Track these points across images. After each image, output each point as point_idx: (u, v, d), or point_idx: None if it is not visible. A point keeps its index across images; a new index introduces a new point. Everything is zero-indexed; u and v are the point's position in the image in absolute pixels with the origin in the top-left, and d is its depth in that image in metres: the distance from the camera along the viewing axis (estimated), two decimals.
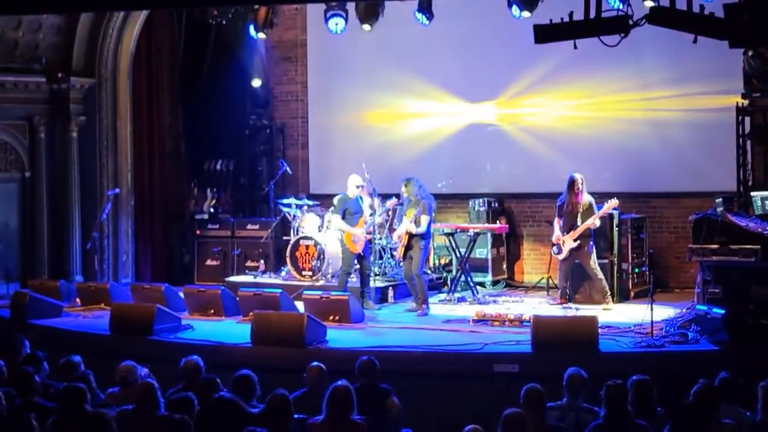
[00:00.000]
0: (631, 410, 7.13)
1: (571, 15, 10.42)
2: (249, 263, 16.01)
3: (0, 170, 15.33)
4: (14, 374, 8.24)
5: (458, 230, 14.62)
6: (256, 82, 17.29)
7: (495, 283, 15.44)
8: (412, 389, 9.32)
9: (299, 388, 8.26)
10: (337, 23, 14.16)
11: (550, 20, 10.70)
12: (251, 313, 11.58)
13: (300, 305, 12.42)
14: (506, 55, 15.73)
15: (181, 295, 13.33)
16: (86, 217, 15.51)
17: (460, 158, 16.44)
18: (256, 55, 17.34)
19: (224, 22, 15.47)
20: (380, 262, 14.70)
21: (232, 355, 10.80)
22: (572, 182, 13.22)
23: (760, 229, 11.27)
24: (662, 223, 15.14)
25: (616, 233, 13.93)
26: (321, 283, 14.26)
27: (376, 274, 14.28)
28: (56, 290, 13.74)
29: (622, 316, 12.37)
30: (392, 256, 14.61)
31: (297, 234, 14.88)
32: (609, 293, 13.33)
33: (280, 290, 12.60)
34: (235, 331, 11.79)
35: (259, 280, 15.07)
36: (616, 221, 13.91)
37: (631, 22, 10.42)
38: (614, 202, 13.31)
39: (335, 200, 13.92)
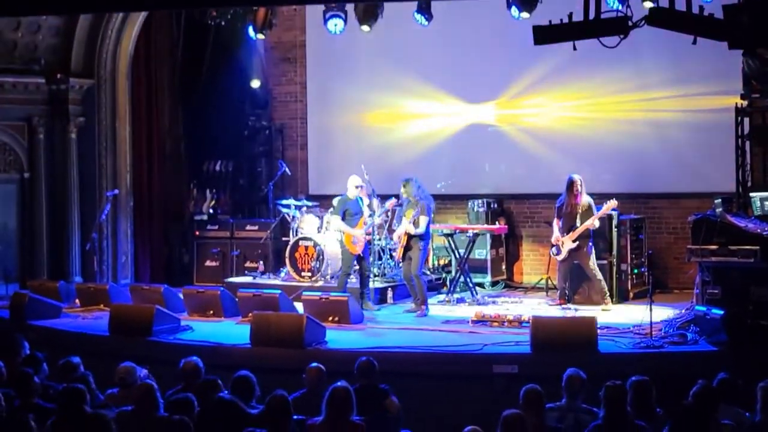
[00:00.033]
0: (630, 411, 7.13)
1: (570, 16, 10.42)
2: (248, 264, 16.00)
3: None
4: (13, 375, 8.24)
5: (457, 231, 14.62)
6: (255, 83, 17.30)
7: (494, 283, 15.44)
8: (412, 390, 9.32)
9: (298, 389, 8.25)
10: (336, 24, 14.17)
11: (550, 21, 10.70)
12: (250, 314, 11.58)
13: (299, 306, 12.42)
14: (506, 55, 15.74)
15: (181, 296, 13.32)
16: (85, 218, 15.51)
17: (459, 159, 16.44)
18: (255, 55, 17.35)
19: (223, 23, 15.48)
20: (379, 263, 14.71)
21: (231, 356, 10.80)
22: (571, 183, 13.22)
23: (759, 230, 11.27)
24: (661, 223, 15.15)
25: (615, 234, 13.93)
26: (320, 284, 14.26)
27: (375, 275, 14.29)
28: (55, 291, 13.73)
29: (621, 317, 12.37)
30: (391, 256, 14.61)
31: (296, 235, 14.88)
32: (608, 294, 13.33)
33: (279, 291, 12.60)
34: (235, 332, 11.78)
35: (259, 281, 15.06)
36: (615, 222, 13.92)
37: (630, 24, 10.43)
38: (613, 203, 13.31)
39: (335, 201, 13.93)
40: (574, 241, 13.16)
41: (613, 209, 13.54)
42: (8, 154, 15.33)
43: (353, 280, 13.66)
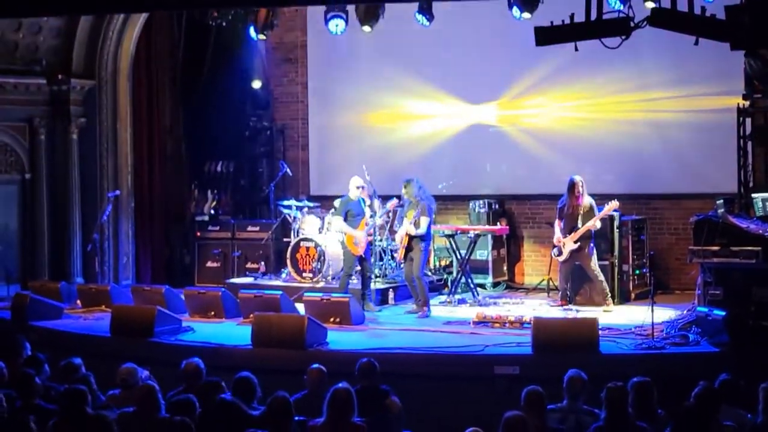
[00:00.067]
0: (631, 412, 7.13)
1: (572, 17, 10.40)
2: (249, 265, 16.00)
3: (0, 172, 15.32)
4: (15, 376, 8.24)
5: (458, 232, 14.61)
6: (257, 84, 17.30)
7: (495, 284, 15.43)
8: (413, 391, 9.31)
9: (300, 390, 8.25)
10: (337, 25, 14.13)
11: (551, 22, 10.69)
12: (252, 315, 11.58)
13: (300, 307, 12.42)
14: (507, 56, 15.74)
15: (182, 297, 13.32)
16: (87, 219, 15.51)
17: (460, 159, 16.44)
18: (256, 56, 17.35)
19: (224, 24, 15.46)
20: (381, 263, 14.70)
21: (232, 357, 10.80)
22: (572, 185, 13.22)
23: (761, 231, 11.26)
24: (663, 224, 15.14)
25: (616, 235, 13.92)
26: (321, 284, 14.26)
27: (376, 276, 14.28)
28: (57, 292, 13.74)
29: (623, 318, 12.36)
30: (393, 257, 14.60)
31: (297, 236, 14.87)
32: (609, 295, 13.32)
33: (280, 292, 12.60)
34: (236, 333, 11.78)
35: (260, 282, 15.06)
36: (616, 223, 13.91)
37: (632, 24, 10.41)
38: (614, 203, 13.30)
39: (337, 202, 13.93)
40: (575, 242, 13.16)
41: (615, 210, 13.53)
42: (9, 154, 15.33)
43: (354, 281, 13.65)
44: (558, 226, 13.44)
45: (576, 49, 10.81)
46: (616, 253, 13.92)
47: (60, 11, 13.12)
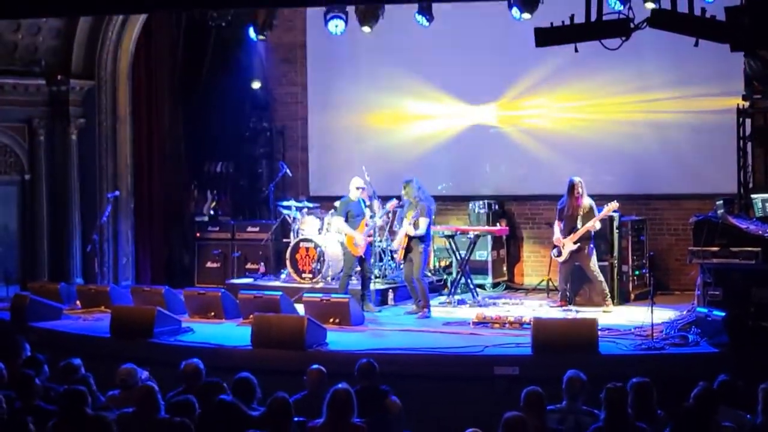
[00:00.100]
0: (630, 413, 7.12)
1: (572, 18, 10.39)
2: (249, 265, 16.00)
3: None
4: (14, 377, 8.24)
5: (458, 232, 14.61)
6: (256, 84, 17.29)
7: (495, 285, 15.44)
8: (413, 392, 9.30)
9: (299, 390, 8.25)
10: (336, 25, 14.14)
11: (551, 23, 10.68)
12: (251, 316, 11.58)
13: (300, 308, 12.42)
14: (507, 56, 15.73)
15: (182, 297, 13.31)
16: (86, 220, 15.50)
17: (460, 160, 16.44)
18: (256, 57, 17.34)
19: (224, 24, 15.46)
20: (380, 264, 14.70)
21: (232, 357, 10.80)
22: (572, 186, 13.23)
23: (760, 232, 11.26)
24: (662, 225, 15.15)
25: (616, 235, 13.93)
26: (321, 285, 14.25)
27: (376, 277, 14.28)
28: (56, 293, 13.74)
29: (622, 319, 12.37)
30: (392, 258, 14.60)
31: (297, 236, 14.87)
32: (609, 295, 13.33)
33: (280, 293, 12.60)
34: (236, 333, 11.78)
35: (260, 282, 15.05)
36: (616, 223, 13.91)
37: (632, 26, 10.40)
38: (614, 204, 13.30)
39: (337, 203, 13.92)
40: (575, 243, 13.16)
41: (615, 211, 13.53)
42: (9, 155, 15.32)
43: (354, 282, 13.65)
44: (558, 226, 13.44)
45: (576, 50, 10.80)
46: (615, 253, 13.93)
47: (59, 12, 13.11)
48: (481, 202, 15.70)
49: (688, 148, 14.86)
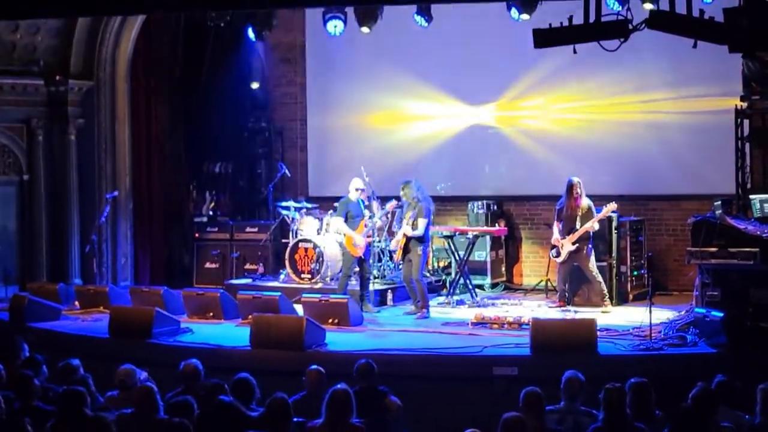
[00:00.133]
0: (629, 413, 7.13)
1: (570, 19, 10.40)
2: (248, 266, 16.00)
3: None
4: (13, 378, 8.24)
5: (457, 233, 14.62)
6: (255, 85, 17.29)
7: (494, 285, 15.45)
8: (411, 392, 9.30)
9: (298, 391, 8.25)
10: (335, 25, 14.16)
11: (550, 24, 10.69)
12: (250, 316, 11.58)
13: (299, 308, 12.42)
14: (506, 57, 15.73)
15: (181, 298, 13.30)
16: (85, 220, 15.50)
17: (459, 160, 16.45)
18: (255, 57, 17.34)
19: (223, 25, 15.46)
20: (379, 264, 14.70)
21: (231, 358, 10.80)
22: (570, 186, 13.23)
23: (758, 232, 11.28)
24: (661, 225, 15.16)
25: (614, 236, 13.93)
26: (319, 285, 14.25)
27: (375, 277, 14.28)
28: (55, 293, 13.73)
29: (621, 319, 12.38)
30: (391, 258, 14.61)
31: (296, 237, 14.87)
32: (608, 296, 13.34)
33: (279, 293, 12.60)
34: (234, 334, 11.78)
35: (258, 283, 15.05)
36: (614, 224, 13.91)
37: (630, 27, 10.41)
38: (613, 205, 13.30)
39: (337, 204, 13.92)
40: (573, 243, 13.17)
41: (613, 211, 13.53)
42: (7, 156, 15.30)
43: (353, 282, 13.65)
44: (556, 227, 13.45)
45: (575, 52, 10.81)
46: (614, 254, 13.93)
47: (59, 13, 13.10)
48: (479, 203, 15.70)
49: (687, 149, 14.87)
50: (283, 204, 15.49)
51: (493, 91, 16.08)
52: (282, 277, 15.06)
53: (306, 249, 14.56)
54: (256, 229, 16.16)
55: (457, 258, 14.41)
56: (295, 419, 7.06)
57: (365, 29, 14.06)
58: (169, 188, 16.91)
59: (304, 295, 12.79)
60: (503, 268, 15.82)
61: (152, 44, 16.45)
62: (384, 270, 14.80)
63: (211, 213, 16.77)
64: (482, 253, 15.21)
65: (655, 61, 14.71)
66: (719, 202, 12.12)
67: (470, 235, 14.43)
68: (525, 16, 13.03)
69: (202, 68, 17.00)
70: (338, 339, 11.25)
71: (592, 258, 13.30)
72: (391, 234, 14.31)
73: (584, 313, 12.64)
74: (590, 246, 13.27)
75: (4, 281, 14.72)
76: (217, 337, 11.55)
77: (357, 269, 13.56)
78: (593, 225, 13.15)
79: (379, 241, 14.59)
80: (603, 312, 12.89)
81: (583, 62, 13.47)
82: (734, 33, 9.66)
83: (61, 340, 12.11)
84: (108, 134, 15.80)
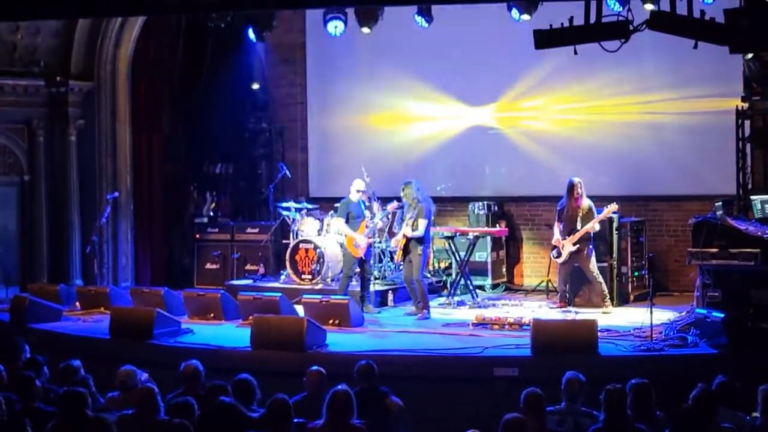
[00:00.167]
0: (630, 414, 7.13)
1: (571, 20, 10.39)
2: (248, 267, 16.00)
3: None
4: (14, 379, 8.24)
5: (458, 233, 14.62)
6: (255, 85, 17.29)
7: (494, 286, 15.45)
8: (412, 393, 9.29)
9: (299, 392, 8.25)
10: (336, 26, 14.15)
11: (550, 25, 10.68)
12: (251, 317, 11.58)
13: (300, 309, 12.42)
14: (506, 58, 15.73)
15: (181, 299, 13.30)
16: (86, 221, 15.50)
17: (459, 161, 16.46)
18: (255, 58, 17.35)
19: (223, 26, 15.46)
20: (380, 265, 14.70)
21: (231, 359, 10.79)
22: (571, 187, 13.23)
23: (759, 233, 11.26)
24: (662, 226, 15.15)
25: (615, 237, 13.93)
26: (320, 286, 14.25)
27: (375, 278, 14.27)
28: (56, 294, 13.73)
29: (622, 320, 12.37)
30: (392, 259, 14.61)
31: (296, 237, 14.87)
32: (608, 297, 13.33)
33: (279, 294, 12.60)
34: (235, 335, 11.78)
35: (259, 284, 15.05)
36: (615, 225, 13.91)
37: (631, 28, 10.40)
38: (614, 206, 13.30)
39: (337, 204, 13.92)
40: (574, 244, 13.16)
41: (614, 212, 13.52)
42: (8, 156, 15.31)
43: (354, 283, 13.65)
44: (557, 227, 13.45)
45: (575, 53, 10.81)
46: (615, 254, 13.93)
47: (59, 14, 13.09)
48: (480, 204, 15.70)
49: (687, 150, 14.87)
50: (284, 205, 15.49)
51: (493, 91, 16.08)
52: (283, 277, 15.06)
53: (307, 250, 14.55)
54: (256, 230, 16.16)
55: (458, 259, 14.41)
56: (295, 420, 7.05)
57: (366, 30, 14.06)
58: (169, 189, 16.91)
59: (304, 295, 12.80)
60: (504, 269, 15.81)
61: (153, 45, 16.45)
62: (385, 271, 14.80)
63: (211, 214, 16.78)
64: (483, 254, 15.21)
65: (655, 61, 14.71)
66: (720, 203, 12.10)
67: (471, 235, 14.43)
68: (526, 17, 13.03)
69: (202, 69, 17.02)
70: (339, 340, 11.25)
71: (593, 259, 13.29)
72: (392, 235, 14.30)
73: (585, 313, 12.61)
74: (591, 247, 13.27)
75: (5, 282, 14.71)
76: (218, 338, 11.55)
77: (358, 270, 13.55)
78: (594, 226, 13.15)
79: (380, 242, 14.59)
80: (604, 313, 12.88)
81: (584, 63, 13.46)
82: (735, 34, 9.64)
83: (62, 341, 12.11)
84: (108, 135, 15.80)
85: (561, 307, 13.38)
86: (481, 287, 15.04)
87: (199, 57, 16.95)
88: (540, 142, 15.88)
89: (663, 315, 12.08)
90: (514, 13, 13.19)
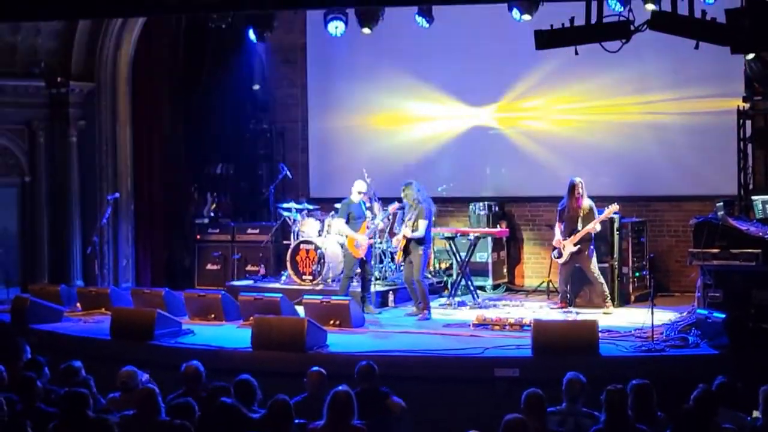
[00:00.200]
0: (631, 415, 7.12)
1: (572, 20, 10.38)
2: (249, 267, 16.00)
3: None
4: (15, 379, 8.24)
5: (458, 234, 14.61)
6: (256, 86, 17.29)
7: (495, 287, 15.44)
8: (413, 394, 9.28)
9: (300, 392, 8.25)
10: (336, 26, 14.13)
11: (551, 25, 10.67)
12: (252, 318, 11.58)
13: (300, 309, 12.41)
14: (507, 58, 15.72)
15: (182, 299, 13.29)
16: (86, 222, 15.50)
17: (460, 162, 16.45)
18: (256, 58, 17.35)
19: (223, 26, 15.45)
20: (381, 266, 14.70)
21: (232, 359, 10.79)
22: (572, 187, 13.23)
23: (761, 233, 11.25)
24: (663, 226, 15.15)
25: (616, 237, 13.93)
26: (321, 287, 14.25)
27: (376, 279, 14.27)
28: (57, 295, 13.73)
29: (623, 320, 12.37)
30: (393, 259, 14.61)
31: (297, 238, 14.87)
32: (609, 297, 13.33)
33: (280, 295, 12.60)
34: (236, 335, 11.77)
35: (260, 284, 15.05)
36: (616, 225, 13.91)
37: (632, 28, 10.39)
38: (615, 206, 13.29)
39: (338, 205, 13.92)
40: (575, 245, 13.16)
41: (615, 212, 13.51)
42: (9, 157, 15.31)
43: (355, 284, 13.64)
44: (558, 228, 13.44)
45: (576, 53, 10.80)
46: (616, 255, 13.92)
47: (60, 15, 13.08)
48: (481, 204, 15.70)
49: (688, 150, 14.86)
50: (285, 205, 15.49)
51: (494, 92, 16.08)
52: (283, 278, 15.06)
53: (307, 250, 14.56)
54: (257, 231, 16.16)
55: (459, 259, 14.40)
56: (296, 421, 7.04)
57: (366, 30, 14.04)
58: (170, 190, 16.90)
59: (305, 296, 12.80)
60: (505, 270, 15.81)
61: (153, 46, 16.45)
62: (385, 271, 14.80)
63: (212, 214, 16.78)
64: (484, 255, 15.20)
65: (656, 62, 14.70)
66: (721, 203, 12.08)
67: (472, 236, 14.42)
68: (526, 17, 13.02)
69: (202, 70, 17.01)
70: (339, 340, 11.25)
71: (594, 259, 13.29)
72: (393, 236, 14.29)
73: (586, 314, 12.61)
74: (592, 247, 13.26)
75: (5, 283, 14.69)
76: (219, 339, 11.55)
77: (358, 271, 13.55)
78: (595, 226, 13.15)
79: (381, 243, 14.58)
80: (604, 313, 12.88)
81: (585, 63, 13.47)
82: (736, 34, 9.63)
83: (62, 341, 12.11)
84: (109, 136, 15.81)
85: (562, 307, 13.38)
86: (482, 288, 15.04)
87: (200, 57, 16.94)
88: (541, 143, 15.88)
89: (664, 315, 12.09)
90: (515, 13, 13.18)
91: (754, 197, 12.44)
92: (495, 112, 16.15)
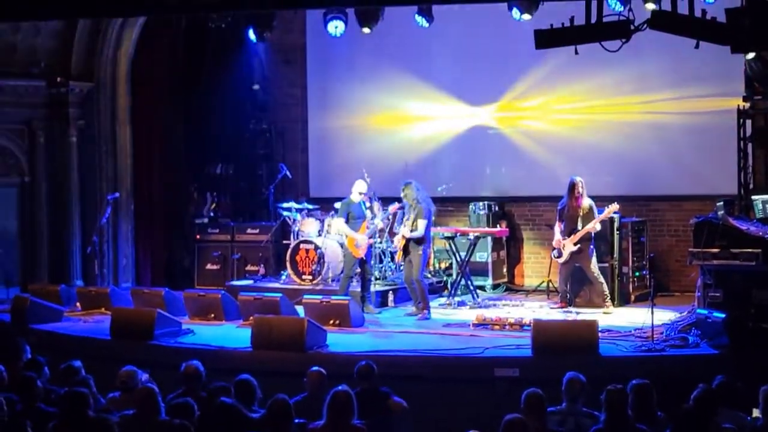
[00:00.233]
0: (631, 415, 7.12)
1: (572, 20, 10.37)
2: (249, 267, 16.01)
3: None
4: (15, 379, 8.24)
5: (458, 234, 14.61)
6: (256, 86, 17.28)
7: (495, 286, 15.44)
8: (412, 394, 9.26)
9: (300, 392, 8.24)
10: (336, 26, 14.14)
11: (551, 25, 10.66)
12: (251, 318, 11.58)
13: (300, 309, 12.41)
14: (507, 57, 15.73)
15: (182, 299, 13.29)
16: (86, 222, 15.51)
17: (460, 161, 16.44)
18: (256, 58, 17.35)
19: (223, 26, 15.45)
20: (380, 266, 14.70)
21: (232, 359, 10.79)
22: (572, 186, 13.22)
23: (761, 233, 11.24)
24: (663, 226, 15.14)
25: (616, 237, 13.93)
26: (321, 287, 14.25)
27: (376, 278, 14.27)
28: (56, 295, 13.73)
29: (623, 320, 12.37)
30: (392, 259, 14.60)
31: (297, 238, 14.87)
32: (609, 297, 13.32)
33: (280, 294, 12.60)
34: (236, 335, 11.78)
35: (260, 284, 15.04)
36: (616, 225, 13.91)
37: (632, 27, 10.38)
38: (615, 206, 13.29)
39: (338, 204, 13.92)
40: (575, 244, 13.16)
41: (615, 212, 13.51)
42: (8, 157, 15.31)
43: (355, 284, 13.64)
44: (558, 227, 13.44)
45: (576, 52, 10.80)
46: (616, 255, 13.92)
47: (60, 15, 13.08)
48: (481, 204, 15.69)
49: (689, 149, 14.86)
50: (284, 205, 15.49)
51: (494, 91, 16.08)
52: (283, 278, 15.06)
53: (307, 250, 14.56)
54: (257, 231, 16.16)
55: (459, 259, 14.40)
56: (296, 420, 7.04)
57: (366, 30, 14.04)
58: (170, 189, 16.90)
59: (305, 296, 12.79)
60: (504, 269, 15.80)
61: (153, 46, 16.44)
62: (385, 271, 14.79)
63: (212, 214, 16.78)
64: (483, 254, 15.20)
65: (656, 61, 14.70)
66: (721, 203, 12.07)
67: (471, 236, 14.42)
68: (526, 17, 13.02)
69: (202, 69, 17.00)
70: (339, 340, 11.24)
71: (594, 259, 13.29)
72: (393, 236, 14.30)
73: (586, 314, 12.62)
74: (592, 247, 13.26)
75: (5, 283, 14.69)
76: (219, 339, 11.55)
77: (358, 270, 13.55)
78: (595, 226, 13.15)
79: (380, 243, 14.58)
80: (604, 313, 12.88)
81: (585, 63, 13.46)
82: (736, 33, 9.62)
83: (62, 341, 12.11)
84: (109, 136, 15.82)
85: (562, 307, 13.38)
86: (482, 287, 15.03)
87: (199, 57, 16.94)
88: (541, 142, 15.88)
89: (664, 315, 12.08)
90: (515, 12, 13.18)
91: (754, 197, 12.43)
92: (495, 111, 16.15)
